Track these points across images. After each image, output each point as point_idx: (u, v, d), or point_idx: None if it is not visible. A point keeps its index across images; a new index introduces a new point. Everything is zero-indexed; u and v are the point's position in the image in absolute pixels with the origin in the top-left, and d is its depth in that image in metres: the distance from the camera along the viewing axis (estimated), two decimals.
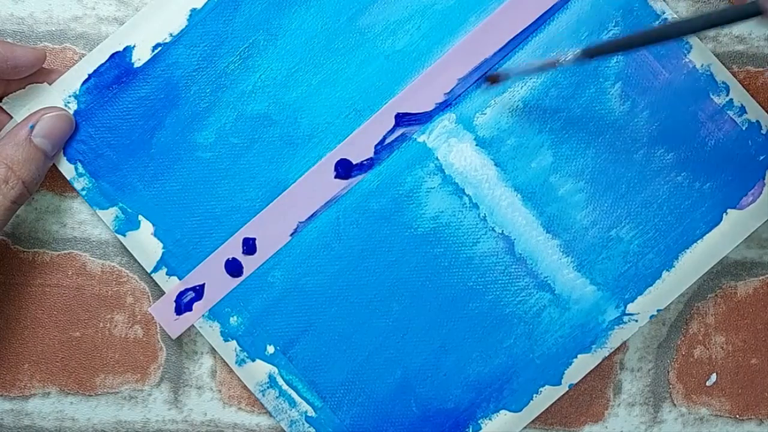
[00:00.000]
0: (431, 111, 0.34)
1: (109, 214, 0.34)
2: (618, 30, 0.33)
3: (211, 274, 0.34)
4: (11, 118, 0.33)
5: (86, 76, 0.33)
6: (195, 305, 0.34)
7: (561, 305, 0.34)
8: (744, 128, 0.33)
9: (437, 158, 0.34)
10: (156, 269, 0.34)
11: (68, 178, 0.34)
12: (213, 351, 0.35)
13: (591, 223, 0.34)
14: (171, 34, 0.34)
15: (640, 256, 0.34)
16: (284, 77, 0.34)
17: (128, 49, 0.33)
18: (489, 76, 0.33)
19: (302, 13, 0.34)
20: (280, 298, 0.34)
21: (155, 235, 0.34)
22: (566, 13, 0.33)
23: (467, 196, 0.34)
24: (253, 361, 0.34)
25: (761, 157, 0.33)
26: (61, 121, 0.33)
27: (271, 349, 0.34)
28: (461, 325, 0.34)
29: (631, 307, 0.34)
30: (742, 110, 0.33)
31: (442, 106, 0.34)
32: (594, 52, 0.29)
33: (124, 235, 0.34)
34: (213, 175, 0.34)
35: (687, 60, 0.33)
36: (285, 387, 0.34)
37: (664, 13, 0.33)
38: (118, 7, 0.34)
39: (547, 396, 0.34)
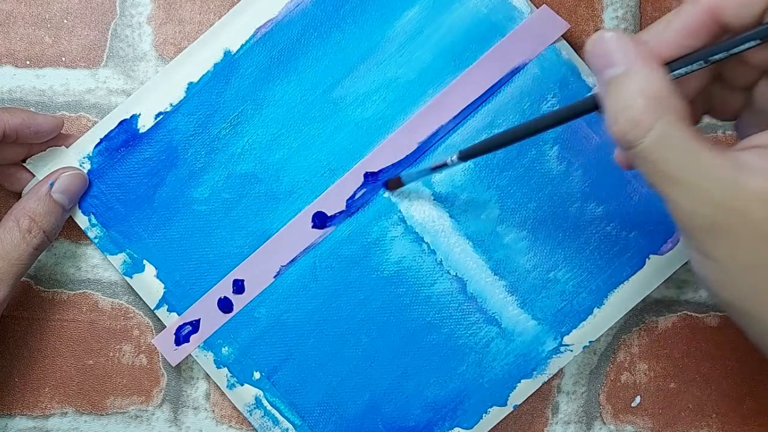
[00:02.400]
0: (395, 170, 0.36)
1: (118, 259, 0.36)
2: (555, 101, 0.36)
3: (205, 310, 0.35)
4: (34, 176, 0.35)
5: (98, 140, 0.35)
6: (192, 337, 0.35)
7: (506, 337, 0.36)
8: None
9: (400, 211, 0.36)
10: (158, 306, 0.36)
11: (83, 228, 0.35)
12: (207, 376, 0.37)
13: (532, 267, 0.36)
14: (171, 104, 0.35)
15: (575, 295, 0.36)
16: (269, 141, 0.36)
17: (134, 117, 0.35)
18: (388, 181, 0.35)
19: (284, 87, 0.36)
20: (265, 331, 0.36)
21: (157, 277, 0.36)
22: (511, 86, 0.36)
23: (426, 243, 0.36)
24: (242, 385, 0.36)
25: None
26: (77, 179, 0.34)
27: (257, 375, 0.36)
28: (421, 355, 0.36)
29: (567, 339, 0.36)
30: None
31: (405, 165, 0.36)
32: (467, 154, 0.30)
33: (131, 277, 0.36)
34: (207, 225, 0.36)
35: None
36: (269, 408, 0.36)
37: (595, 85, 0.35)
38: (126, 81, 0.37)
39: (494, 415, 0.36)
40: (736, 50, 0.22)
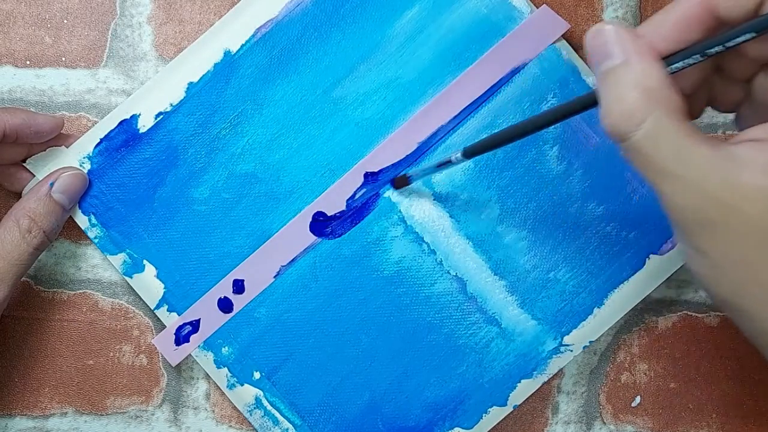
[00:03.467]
0: (395, 170, 0.36)
1: (118, 259, 0.36)
2: (556, 100, 0.36)
3: (205, 310, 0.36)
4: (34, 176, 0.35)
5: (98, 141, 0.35)
6: (192, 337, 0.35)
7: (507, 337, 0.36)
8: None
9: (400, 211, 0.36)
10: (158, 306, 0.36)
11: (83, 228, 0.35)
12: (207, 376, 0.37)
13: (532, 267, 0.36)
14: (171, 104, 0.35)
15: (575, 295, 0.36)
16: (269, 141, 0.36)
17: (134, 117, 0.35)
18: (395, 180, 0.35)
19: (284, 86, 0.36)
20: (265, 331, 0.36)
21: (157, 277, 0.36)
22: (511, 86, 0.36)
23: (426, 243, 0.36)
24: (242, 385, 0.36)
25: None
26: (77, 179, 0.34)
27: (257, 375, 0.36)
28: (421, 355, 0.36)
29: (567, 339, 0.36)
30: None
31: (405, 165, 0.36)
32: (472, 151, 0.30)
33: (131, 277, 0.36)
34: (207, 225, 0.36)
35: None
36: (269, 408, 0.36)
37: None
38: (126, 81, 0.37)
39: (494, 415, 0.36)
40: (731, 43, 0.22)
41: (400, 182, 0.35)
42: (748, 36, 0.22)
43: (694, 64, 0.23)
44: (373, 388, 0.36)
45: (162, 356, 0.37)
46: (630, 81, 0.22)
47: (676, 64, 0.23)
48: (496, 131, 0.29)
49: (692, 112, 0.27)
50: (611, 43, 0.23)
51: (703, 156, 0.21)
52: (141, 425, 0.37)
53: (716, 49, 0.22)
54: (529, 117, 0.27)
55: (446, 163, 0.32)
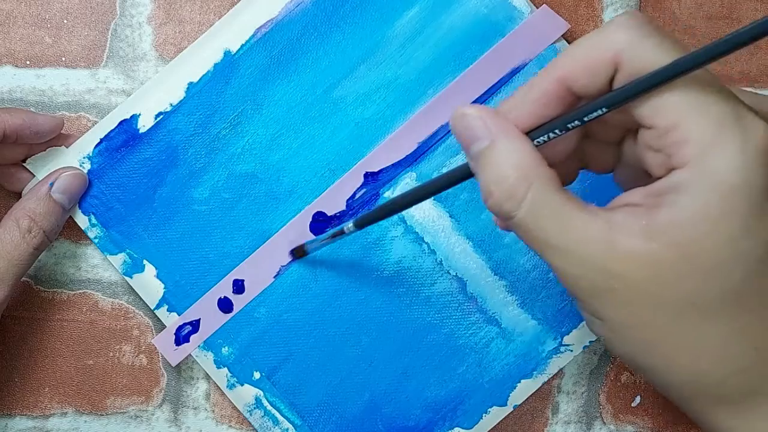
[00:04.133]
0: (395, 170, 0.36)
1: (118, 259, 0.36)
2: None
3: (205, 310, 0.36)
4: (34, 176, 0.35)
5: (98, 141, 0.35)
6: (192, 337, 0.35)
7: (507, 337, 0.36)
8: None
9: None
10: (158, 306, 0.36)
11: (83, 228, 0.35)
12: (207, 377, 0.37)
13: (532, 267, 0.36)
14: (171, 104, 0.36)
15: None
16: (269, 141, 0.36)
17: (134, 117, 0.35)
18: (295, 250, 0.35)
19: (284, 86, 0.36)
20: (265, 331, 0.36)
21: (157, 277, 0.36)
22: (511, 86, 0.36)
23: (426, 243, 0.36)
24: (242, 385, 0.36)
25: None
26: (77, 179, 0.34)
27: (257, 375, 0.36)
28: (421, 355, 0.36)
29: (567, 339, 0.36)
30: None
31: (405, 166, 0.36)
32: (361, 223, 0.30)
33: (131, 277, 0.36)
34: (207, 225, 0.36)
35: None
36: (269, 408, 0.36)
37: None
38: (126, 81, 0.37)
39: (494, 415, 0.36)
40: (588, 118, 0.23)
41: (299, 252, 0.35)
42: (601, 111, 0.23)
43: (558, 136, 0.24)
44: (373, 388, 0.36)
45: (162, 356, 0.37)
46: (503, 161, 0.23)
47: (539, 138, 0.24)
48: (383, 202, 0.30)
49: (568, 177, 0.27)
50: (475, 126, 0.23)
51: (582, 226, 0.22)
52: (141, 425, 0.37)
53: (575, 123, 0.23)
54: (414, 187, 0.28)
55: (340, 234, 0.32)
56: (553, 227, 0.22)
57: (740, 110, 0.21)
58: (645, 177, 0.24)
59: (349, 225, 0.31)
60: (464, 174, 0.25)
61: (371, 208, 0.30)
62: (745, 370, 0.22)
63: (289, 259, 0.36)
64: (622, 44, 0.22)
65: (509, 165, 0.23)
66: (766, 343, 0.22)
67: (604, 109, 0.22)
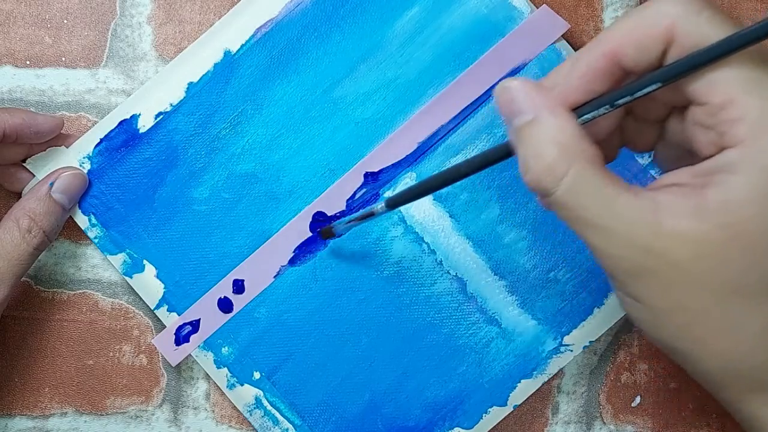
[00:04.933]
0: (395, 170, 0.36)
1: (118, 259, 0.36)
2: None
3: (205, 310, 0.36)
4: (34, 176, 0.35)
5: (98, 141, 0.35)
6: (192, 337, 0.35)
7: (506, 337, 0.36)
8: None
9: (400, 211, 0.36)
10: (158, 306, 0.36)
11: (83, 228, 0.35)
12: (207, 377, 0.37)
13: (532, 267, 0.36)
14: (171, 104, 0.36)
15: (575, 295, 0.36)
16: (269, 141, 0.36)
17: (134, 117, 0.35)
18: (321, 231, 0.35)
19: (284, 86, 0.36)
20: (265, 331, 0.36)
21: (157, 277, 0.36)
22: None
23: (426, 243, 0.36)
24: (242, 385, 0.36)
25: None
26: (77, 179, 0.34)
27: (257, 375, 0.36)
28: (421, 355, 0.36)
29: (567, 339, 0.36)
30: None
31: (405, 165, 0.36)
32: (393, 202, 0.30)
33: (131, 278, 0.36)
34: (207, 225, 0.36)
35: None
36: (269, 408, 0.36)
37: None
38: (126, 81, 0.37)
39: (494, 415, 0.36)
40: (639, 94, 0.22)
41: (326, 233, 0.35)
42: (654, 86, 0.22)
43: (604, 114, 0.23)
44: (373, 388, 0.36)
45: (162, 356, 0.37)
46: (545, 137, 0.22)
47: (586, 116, 0.23)
48: (419, 181, 0.29)
49: (608, 156, 0.27)
50: (519, 99, 0.23)
51: (626, 205, 0.22)
52: (141, 425, 0.37)
53: (625, 99, 0.23)
54: (450, 167, 0.27)
55: (370, 215, 0.32)
56: (595, 206, 0.22)
57: None
58: (688, 157, 0.23)
59: (381, 205, 0.31)
60: (503, 153, 0.25)
61: (402, 189, 0.30)
62: None
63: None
64: (676, 17, 0.21)
65: (551, 140, 0.22)
66: None
67: (659, 84, 0.22)
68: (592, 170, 0.22)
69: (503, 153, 0.25)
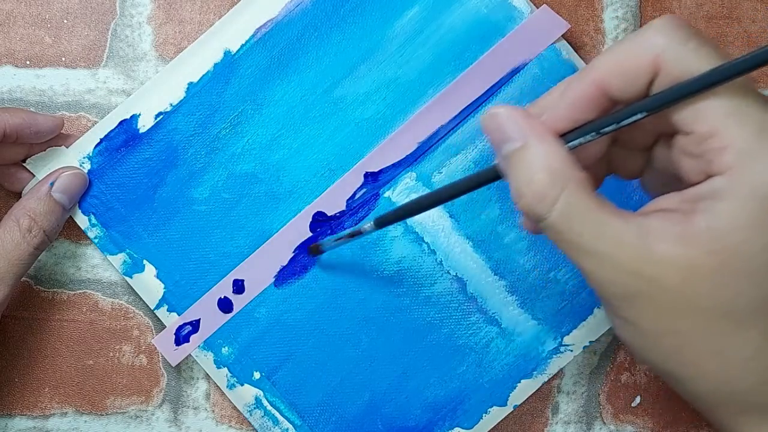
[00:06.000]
0: (395, 170, 0.36)
1: (118, 259, 0.36)
2: None
3: (205, 310, 0.36)
4: (34, 176, 0.35)
5: (98, 140, 0.35)
6: (192, 337, 0.35)
7: (506, 337, 0.36)
8: None
9: None
10: (158, 306, 0.36)
11: (83, 228, 0.35)
12: (207, 377, 0.37)
13: (532, 267, 0.36)
14: (171, 104, 0.35)
15: (575, 295, 0.36)
16: (269, 141, 0.36)
17: (134, 117, 0.35)
18: (310, 248, 0.35)
19: (284, 87, 0.36)
20: (265, 331, 0.36)
21: (157, 277, 0.36)
22: (511, 86, 0.36)
23: (426, 243, 0.36)
24: (242, 385, 0.36)
25: None
26: (77, 179, 0.34)
27: (257, 375, 0.36)
28: (421, 355, 0.36)
29: (567, 339, 0.36)
30: None
31: (405, 165, 0.36)
32: (381, 222, 0.30)
33: (131, 277, 0.36)
34: (207, 225, 0.36)
35: None
36: (269, 408, 0.36)
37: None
38: (126, 81, 0.37)
39: (494, 415, 0.36)
40: (624, 122, 0.23)
41: (314, 250, 0.35)
42: (640, 116, 0.22)
43: (591, 141, 0.23)
44: (373, 388, 0.36)
45: (162, 356, 0.37)
46: (535, 163, 0.23)
47: (572, 142, 0.24)
48: (406, 202, 0.29)
49: (594, 183, 0.27)
50: (508, 126, 0.23)
51: (616, 230, 0.22)
52: (141, 425, 0.37)
53: (611, 127, 0.23)
54: (437, 188, 0.28)
55: (358, 233, 0.32)
56: (586, 231, 0.22)
57: None
58: (675, 183, 0.24)
59: (369, 224, 0.31)
60: (490, 176, 0.25)
61: (390, 208, 0.30)
62: None
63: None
64: (663, 48, 0.22)
65: (541, 167, 0.22)
66: None
67: (644, 113, 0.22)
68: (582, 195, 0.22)
69: (491, 176, 0.25)
